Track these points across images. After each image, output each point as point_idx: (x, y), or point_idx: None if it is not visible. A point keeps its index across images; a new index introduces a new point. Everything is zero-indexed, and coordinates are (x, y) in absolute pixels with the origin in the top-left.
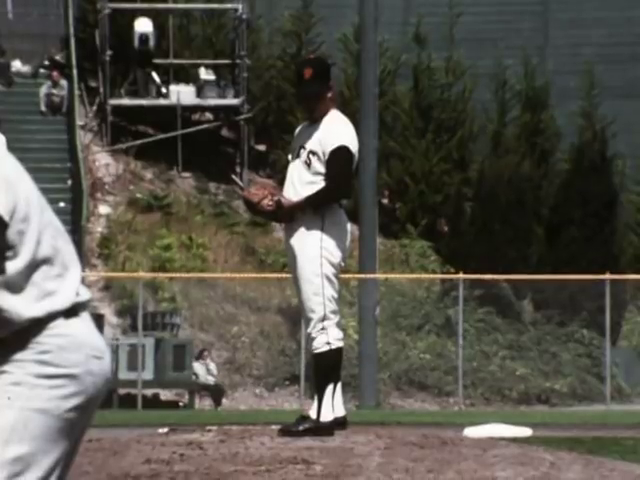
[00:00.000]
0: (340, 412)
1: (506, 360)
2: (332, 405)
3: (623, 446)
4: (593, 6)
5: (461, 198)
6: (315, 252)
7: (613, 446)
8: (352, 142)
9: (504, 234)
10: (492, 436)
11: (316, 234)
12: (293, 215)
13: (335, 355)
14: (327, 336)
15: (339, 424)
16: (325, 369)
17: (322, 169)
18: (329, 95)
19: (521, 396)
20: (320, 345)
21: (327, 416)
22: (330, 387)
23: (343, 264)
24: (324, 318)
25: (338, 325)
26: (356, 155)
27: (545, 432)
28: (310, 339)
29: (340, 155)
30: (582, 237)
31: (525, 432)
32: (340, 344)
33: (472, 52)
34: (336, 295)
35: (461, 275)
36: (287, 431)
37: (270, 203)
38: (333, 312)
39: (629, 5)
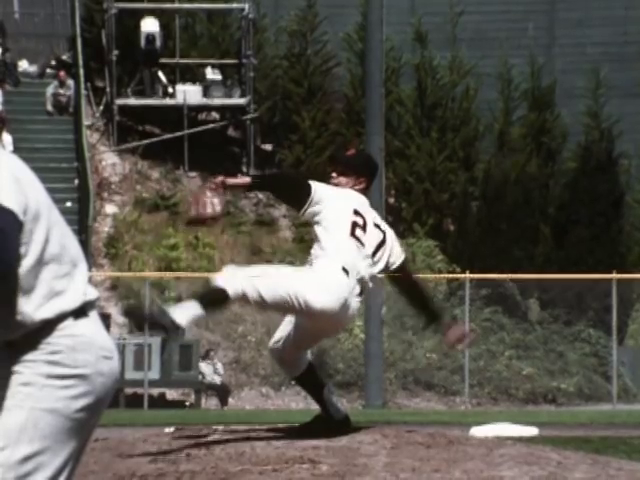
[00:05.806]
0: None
1: (512, 359)
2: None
3: (630, 445)
4: (599, 5)
5: (467, 197)
6: None
7: (620, 445)
8: (327, 192)
9: (510, 233)
10: (498, 435)
11: None
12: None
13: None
14: None
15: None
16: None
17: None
18: (358, 184)
19: (527, 395)
20: None
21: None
22: (325, 389)
23: None
24: None
25: None
26: (321, 200)
27: (552, 431)
28: None
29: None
30: (589, 236)
31: (531, 431)
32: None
33: (478, 51)
34: None
35: (467, 274)
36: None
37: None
38: None
39: (635, 4)
